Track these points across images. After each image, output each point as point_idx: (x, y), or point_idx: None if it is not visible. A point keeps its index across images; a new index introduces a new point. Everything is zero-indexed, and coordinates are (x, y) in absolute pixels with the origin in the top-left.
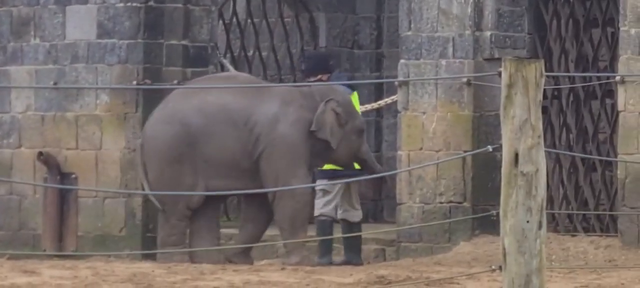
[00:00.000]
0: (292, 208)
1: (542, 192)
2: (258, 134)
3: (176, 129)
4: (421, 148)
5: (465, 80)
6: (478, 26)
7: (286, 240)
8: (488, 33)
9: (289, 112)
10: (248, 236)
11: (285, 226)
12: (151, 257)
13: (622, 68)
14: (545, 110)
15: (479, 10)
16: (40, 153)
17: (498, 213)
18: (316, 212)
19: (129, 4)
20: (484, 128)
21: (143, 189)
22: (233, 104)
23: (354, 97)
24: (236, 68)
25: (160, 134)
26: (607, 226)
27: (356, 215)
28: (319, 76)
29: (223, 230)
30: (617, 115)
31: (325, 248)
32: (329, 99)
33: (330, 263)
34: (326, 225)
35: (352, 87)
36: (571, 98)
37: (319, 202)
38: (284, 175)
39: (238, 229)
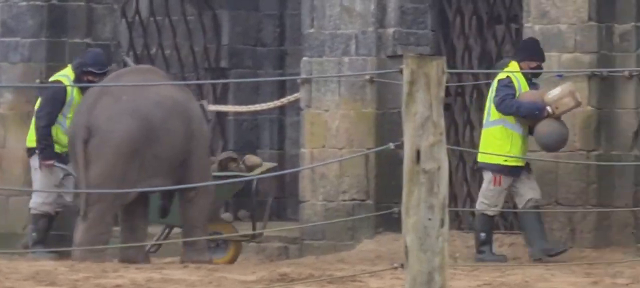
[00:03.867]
0: (207, 206)
1: (444, 190)
2: (193, 129)
3: (138, 123)
4: (324, 146)
5: (368, 77)
6: (381, 23)
7: (199, 237)
8: (391, 30)
9: (200, 109)
10: (142, 237)
11: (199, 224)
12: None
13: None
14: (448, 107)
15: (381, 7)
16: None
17: (400, 211)
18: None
19: (32, 2)
20: (387, 125)
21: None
22: (179, 98)
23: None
24: None
25: (119, 128)
26: (511, 224)
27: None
28: (535, 63)
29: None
30: None
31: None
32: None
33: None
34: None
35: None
36: (475, 95)
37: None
38: (206, 172)
39: (124, 237)
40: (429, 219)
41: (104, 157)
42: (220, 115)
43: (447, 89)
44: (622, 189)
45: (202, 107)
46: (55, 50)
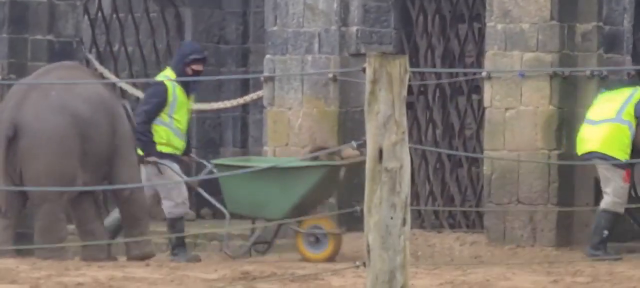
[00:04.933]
0: (145, 200)
1: (406, 189)
2: (117, 127)
3: (68, 120)
4: (287, 144)
5: (331, 75)
6: (344, 21)
7: (143, 233)
8: (354, 28)
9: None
10: (101, 236)
11: (143, 218)
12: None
13: (488, 64)
14: (411, 106)
15: (345, 5)
16: None
17: (363, 209)
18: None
19: None
20: (350, 124)
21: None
22: (105, 94)
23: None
24: (101, 63)
25: (50, 125)
26: (473, 222)
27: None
28: None
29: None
30: (484, 111)
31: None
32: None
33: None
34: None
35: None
36: (438, 94)
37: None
38: (134, 170)
39: (85, 233)
40: (391, 218)
41: (38, 155)
42: None
43: (410, 87)
44: (582, 188)
45: (125, 108)
46: (16, 46)
